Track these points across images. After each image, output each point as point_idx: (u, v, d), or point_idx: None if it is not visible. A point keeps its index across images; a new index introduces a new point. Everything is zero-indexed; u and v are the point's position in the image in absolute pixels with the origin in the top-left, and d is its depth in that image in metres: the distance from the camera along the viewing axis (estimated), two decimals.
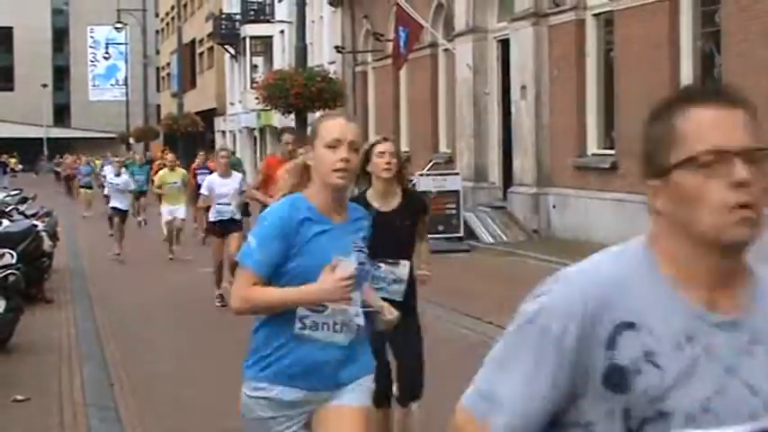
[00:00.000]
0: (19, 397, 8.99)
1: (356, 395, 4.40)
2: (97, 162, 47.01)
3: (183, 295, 15.16)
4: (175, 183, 20.88)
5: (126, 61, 79.02)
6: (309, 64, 26.28)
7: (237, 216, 14.37)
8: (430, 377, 9.82)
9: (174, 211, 20.51)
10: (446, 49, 27.16)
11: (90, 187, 35.39)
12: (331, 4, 37.59)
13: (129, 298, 15.33)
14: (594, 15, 20.79)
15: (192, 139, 50.54)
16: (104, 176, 26.60)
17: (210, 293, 14.99)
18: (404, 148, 30.72)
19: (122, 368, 10.34)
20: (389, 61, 28.97)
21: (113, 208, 21.59)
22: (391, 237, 6.05)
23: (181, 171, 21.75)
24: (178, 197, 20.82)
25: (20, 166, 73.29)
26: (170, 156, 23.12)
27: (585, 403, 2.02)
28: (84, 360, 10.82)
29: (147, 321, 13.37)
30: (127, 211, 21.74)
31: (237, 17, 51.95)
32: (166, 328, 12.90)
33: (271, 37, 48.10)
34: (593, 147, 21.05)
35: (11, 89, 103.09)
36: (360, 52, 34.58)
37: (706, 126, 2.00)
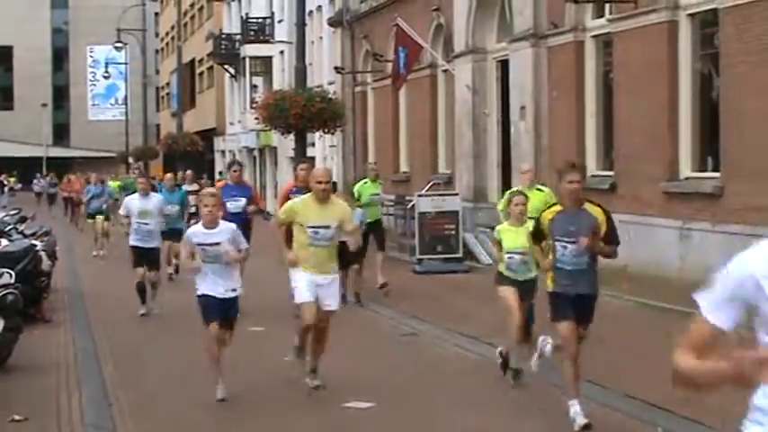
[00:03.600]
0: (17, 417, 8.97)
1: None
2: (114, 183, 36.71)
3: (183, 316, 15.10)
4: (327, 228, 9.89)
5: (126, 81, 79.18)
6: (309, 84, 26.35)
7: None
8: (428, 396, 9.83)
9: (322, 289, 9.97)
10: (445, 70, 27.20)
11: (101, 213, 27.15)
12: (331, 24, 37.68)
13: (128, 318, 15.30)
14: (593, 37, 20.82)
15: (191, 158, 50.56)
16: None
17: None
18: (403, 168, 30.81)
19: (121, 388, 10.32)
20: (389, 82, 29.00)
21: (206, 297, 9.93)
22: None
23: (340, 205, 10.38)
24: (329, 259, 10.12)
25: (19, 185, 73.25)
26: (302, 170, 13.87)
27: None
28: (83, 380, 10.80)
29: (145, 341, 13.35)
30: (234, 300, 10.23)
31: (237, 37, 52.02)
32: (165, 348, 12.88)
33: (270, 57, 48.18)
34: (592, 168, 21.01)
35: (10, 108, 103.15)
36: (359, 73, 34.63)
37: None
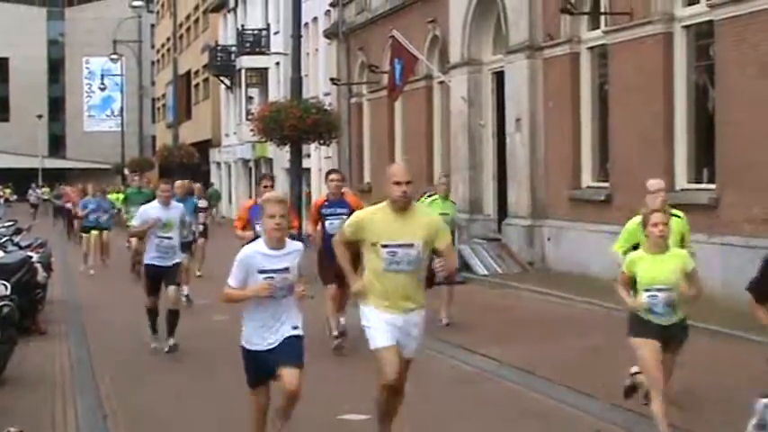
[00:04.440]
0: (12, 429, 8.94)
1: None
2: (115, 196, 33.13)
3: (179, 328, 15.08)
4: (410, 247, 7.39)
5: (121, 92, 79.17)
6: (305, 95, 26.33)
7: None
8: (424, 407, 9.81)
9: (402, 332, 7.55)
10: (441, 81, 27.23)
11: (98, 228, 25.17)
12: (326, 36, 37.72)
13: (124, 330, 15.25)
14: (589, 48, 20.87)
15: (187, 170, 50.58)
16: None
17: (205, 325, 14.97)
18: None
19: (116, 400, 10.29)
20: (384, 93, 29.02)
21: (253, 354, 7.49)
22: None
23: (427, 215, 7.97)
24: (414, 292, 7.56)
25: (14, 197, 73.33)
26: (332, 180, 13.40)
27: None
28: (78, 392, 10.78)
29: (141, 353, 13.30)
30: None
31: (233, 49, 52.11)
32: (161, 360, 12.85)
33: (266, 69, 48.23)
34: (587, 179, 21.08)
35: (6, 120, 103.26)
36: (355, 84, 34.66)
37: None
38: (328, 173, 13.82)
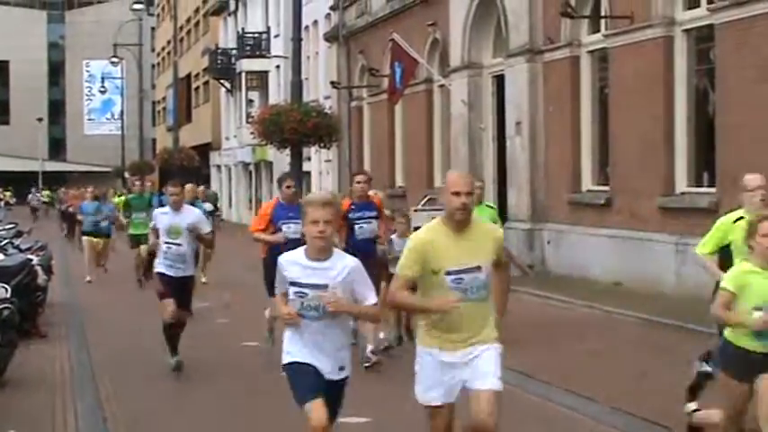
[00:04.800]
0: None
1: None
2: (118, 199, 31.82)
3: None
4: (478, 271, 6.30)
5: (122, 95, 79.24)
6: (305, 99, 26.35)
7: None
8: (424, 411, 9.80)
9: (469, 368, 6.34)
10: (441, 85, 27.24)
11: (100, 233, 23.58)
12: (327, 39, 37.75)
13: (124, 332, 15.26)
14: (589, 52, 20.87)
15: (187, 173, 50.60)
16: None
17: (206, 328, 14.96)
18: (399, 183, 30.81)
19: (116, 403, 10.29)
20: (385, 96, 29.04)
21: (300, 367, 6.31)
22: None
23: (487, 229, 6.56)
24: (482, 323, 6.41)
25: (14, 200, 73.32)
26: (359, 182, 12.71)
27: None
28: (78, 395, 10.78)
29: (141, 356, 13.30)
30: None
31: (233, 52, 52.13)
32: (161, 363, 12.84)
33: (266, 72, 48.25)
34: (587, 183, 21.08)
35: (6, 123, 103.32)
36: (355, 87, 34.67)
37: None
38: (355, 174, 13.05)
